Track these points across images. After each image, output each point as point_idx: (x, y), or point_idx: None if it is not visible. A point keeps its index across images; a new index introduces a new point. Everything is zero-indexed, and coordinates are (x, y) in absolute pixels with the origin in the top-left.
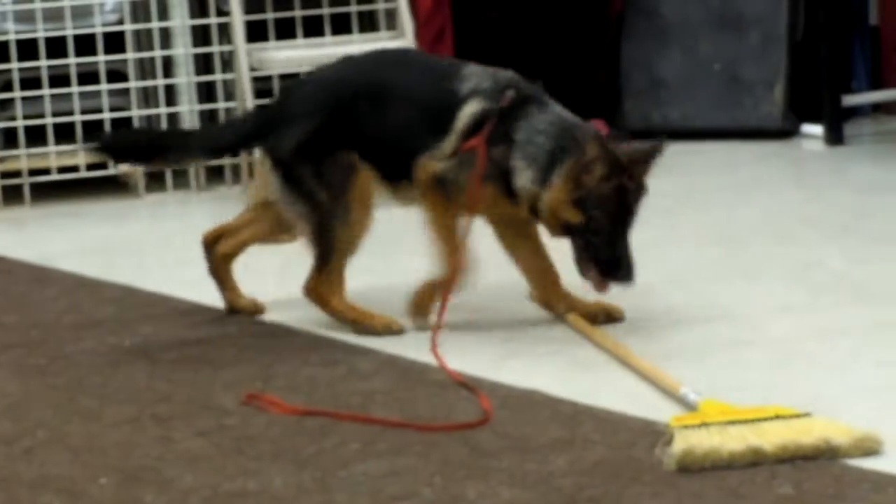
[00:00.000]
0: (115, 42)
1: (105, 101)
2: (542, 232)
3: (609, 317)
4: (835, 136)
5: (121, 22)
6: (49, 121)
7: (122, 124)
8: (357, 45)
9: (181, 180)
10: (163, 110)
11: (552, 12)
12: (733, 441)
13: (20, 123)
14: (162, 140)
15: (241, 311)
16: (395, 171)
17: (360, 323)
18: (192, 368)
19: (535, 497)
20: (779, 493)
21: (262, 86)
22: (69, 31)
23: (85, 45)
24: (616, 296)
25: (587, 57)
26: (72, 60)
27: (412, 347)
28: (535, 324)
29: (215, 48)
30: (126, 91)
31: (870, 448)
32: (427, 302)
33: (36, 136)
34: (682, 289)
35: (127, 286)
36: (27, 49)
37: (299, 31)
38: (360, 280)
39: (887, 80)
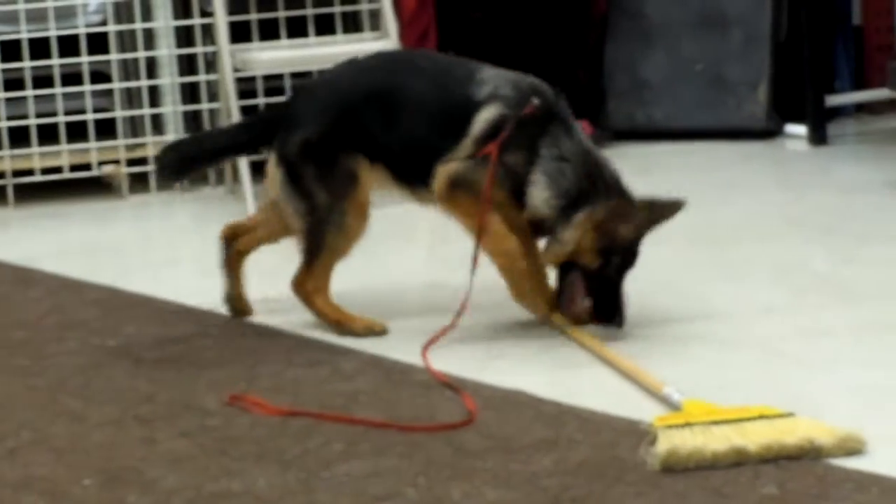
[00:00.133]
0: (98, 43)
1: (88, 102)
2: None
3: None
4: (818, 137)
5: (104, 23)
6: (32, 122)
7: (105, 125)
8: (341, 45)
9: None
10: (146, 111)
11: (536, 13)
12: (717, 441)
13: (3, 125)
14: (206, 144)
15: (234, 308)
16: (409, 174)
17: (343, 325)
18: (176, 369)
19: (520, 497)
20: (762, 493)
21: (245, 87)
22: (52, 32)
23: (68, 45)
24: None
25: (571, 57)
26: (55, 61)
27: (396, 348)
28: (520, 324)
29: (199, 49)
30: (110, 92)
31: (853, 448)
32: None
33: (19, 137)
34: (665, 289)
35: (111, 287)
36: (10, 50)
37: (283, 31)
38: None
39: (871, 81)
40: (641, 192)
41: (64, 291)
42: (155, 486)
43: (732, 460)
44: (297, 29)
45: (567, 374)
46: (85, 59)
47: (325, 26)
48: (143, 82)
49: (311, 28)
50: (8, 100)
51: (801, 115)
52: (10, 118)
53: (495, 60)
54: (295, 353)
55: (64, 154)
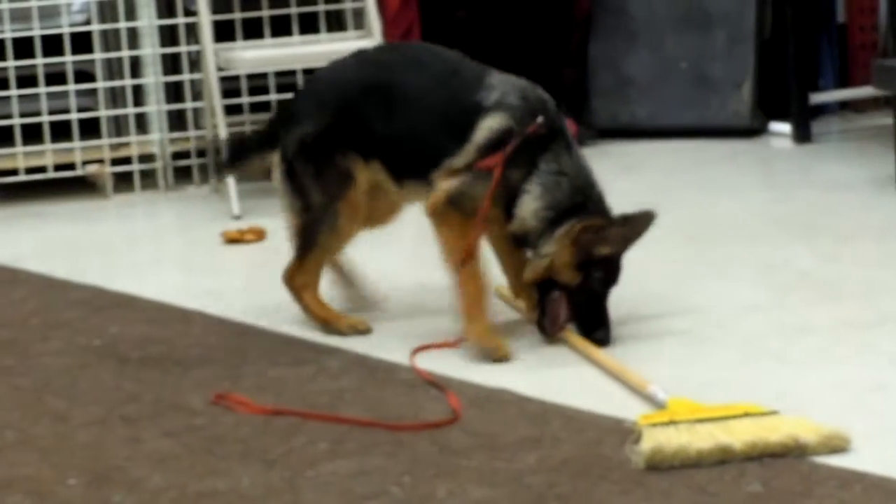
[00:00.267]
0: (82, 42)
1: (73, 102)
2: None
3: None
4: (802, 134)
5: (88, 22)
6: (16, 121)
7: (89, 125)
8: (325, 44)
9: (149, 181)
10: (130, 110)
11: (520, 11)
12: (702, 439)
13: None
14: (257, 138)
15: (351, 300)
16: (404, 169)
17: (328, 323)
18: (161, 369)
19: (504, 495)
20: (747, 491)
21: (230, 85)
22: (36, 32)
23: (52, 45)
24: None
25: (555, 56)
26: (39, 61)
27: (381, 347)
28: (504, 323)
29: (183, 48)
30: (94, 91)
31: (837, 445)
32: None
33: (3, 137)
34: (649, 287)
35: (95, 287)
36: None
37: (267, 30)
38: (329, 276)
39: (855, 78)
40: (625, 190)
41: (48, 291)
42: (140, 485)
43: (717, 458)
44: (280, 28)
45: (551, 373)
46: (69, 59)
47: (308, 25)
48: (128, 81)
49: (294, 27)
50: None
51: (785, 113)
52: None
53: (479, 59)
54: (280, 352)
55: (48, 153)
